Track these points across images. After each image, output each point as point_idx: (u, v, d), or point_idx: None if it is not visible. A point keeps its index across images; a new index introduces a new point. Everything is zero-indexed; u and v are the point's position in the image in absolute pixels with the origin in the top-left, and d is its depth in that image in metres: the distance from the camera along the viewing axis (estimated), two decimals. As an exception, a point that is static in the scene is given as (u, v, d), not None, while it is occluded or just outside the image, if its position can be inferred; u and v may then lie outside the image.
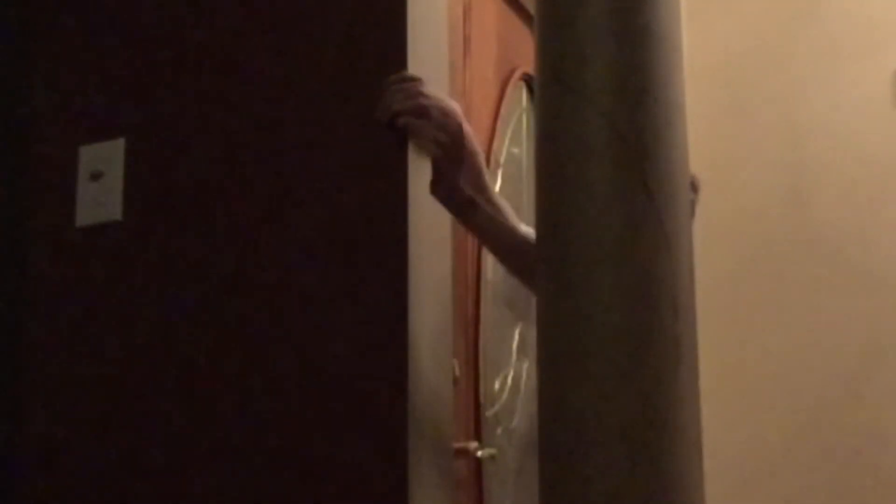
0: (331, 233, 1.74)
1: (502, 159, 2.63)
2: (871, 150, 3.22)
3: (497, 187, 2.49)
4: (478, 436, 2.42)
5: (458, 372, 2.02)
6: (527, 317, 2.04)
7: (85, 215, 1.92)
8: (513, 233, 1.87)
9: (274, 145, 1.81)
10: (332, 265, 1.73)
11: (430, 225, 1.76)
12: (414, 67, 1.76)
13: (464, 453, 2.28)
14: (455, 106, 1.81)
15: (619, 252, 1.58)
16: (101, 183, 1.91)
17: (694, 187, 1.71)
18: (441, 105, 1.77)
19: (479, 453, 2.35)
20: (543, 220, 1.65)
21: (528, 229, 1.88)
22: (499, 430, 2.50)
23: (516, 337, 2.57)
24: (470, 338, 2.47)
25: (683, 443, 1.55)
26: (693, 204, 1.70)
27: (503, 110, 2.68)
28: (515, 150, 2.74)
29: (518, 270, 1.90)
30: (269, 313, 1.76)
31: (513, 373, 2.56)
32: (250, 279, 1.78)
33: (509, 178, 2.62)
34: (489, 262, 2.47)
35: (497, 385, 2.55)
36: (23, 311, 1.95)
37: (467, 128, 1.87)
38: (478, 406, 2.45)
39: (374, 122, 1.72)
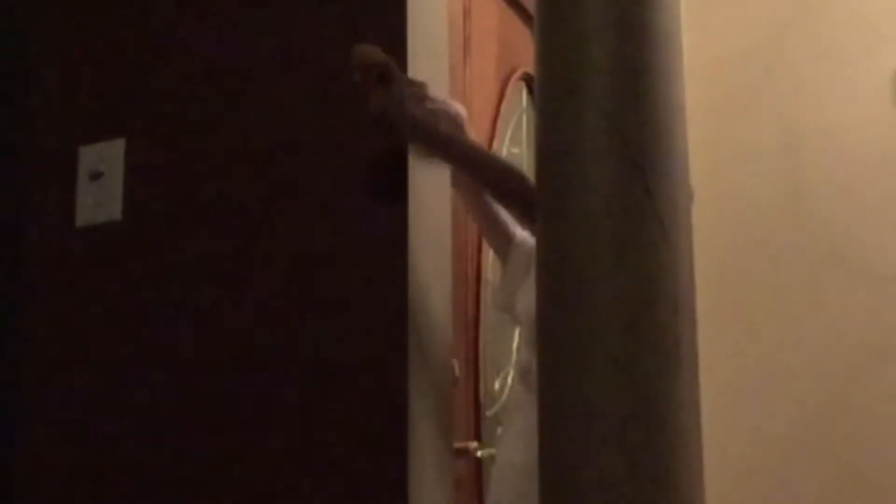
0: (331, 233, 1.74)
1: (502, 159, 2.63)
2: (870, 150, 3.22)
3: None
4: (478, 436, 2.42)
5: (458, 372, 2.02)
6: (518, 319, 2.04)
7: (85, 215, 1.92)
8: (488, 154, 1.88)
9: (274, 146, 1.80)
10: (332, 265, 1.73)
11: (430, 225, 1.76)
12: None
13: (464, 453, 2.28)
14: (459, 108, 1.82)
15: (619, 252, 1.58)
16: (101, 183, 1.91)
17: (688, 196, 1.71)
18: (443, 109, 1.78)
19: (479, 453, 2.35)
20: (544, 220, 1.65)
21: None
22: (499, 430, 2.50)
23: (516, 337, 2.57)
24: (470, 338, 2.47)
25: (683, 442, 1.55)
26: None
27: (503, 110, 2.68)
28: (515, 150, 2.74)
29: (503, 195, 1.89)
30: (269, 313, 1.76)
31: (513, 373, 2.56)
32: (250, 280, 1.78)
33: (509, 178, 2.62)
34: (489, 262, 2.48)
35: (497, 385, 2.55)
36: (23, 311, 1.95)
37: (470, 131, 1.89)
38: (478, 406, 2.45)
39: (373, 123, 1.72)
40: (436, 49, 1.87)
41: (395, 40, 1.75)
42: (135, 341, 1.85)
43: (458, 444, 2.05)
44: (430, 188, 1.78)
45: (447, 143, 1.79)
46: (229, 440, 1.74)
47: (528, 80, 2.74)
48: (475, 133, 1.98)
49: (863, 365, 3.12)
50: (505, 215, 2.04)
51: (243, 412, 1.74)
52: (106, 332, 1.87)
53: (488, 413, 2.47)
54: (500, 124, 2.63)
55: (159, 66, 1.92)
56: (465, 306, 2.45)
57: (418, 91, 1.73)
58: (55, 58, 2.02)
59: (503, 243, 2.04)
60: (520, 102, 2.81)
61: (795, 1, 3.40)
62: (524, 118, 2.79)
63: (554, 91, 1.67)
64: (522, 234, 2.01)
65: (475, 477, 2.40)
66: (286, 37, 1.83)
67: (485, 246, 2.42)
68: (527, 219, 1.81)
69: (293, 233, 1.77)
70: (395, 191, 1.71)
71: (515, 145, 2.73)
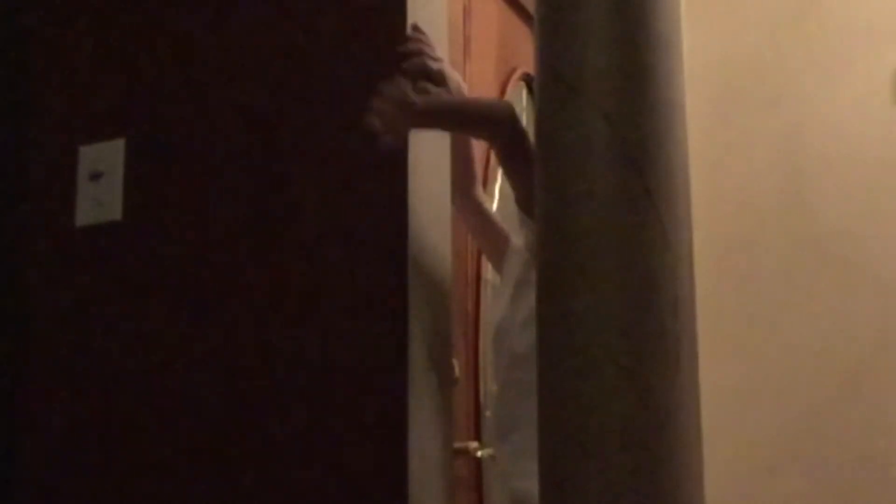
0: (331, 233, 1.74)
1: (502, 159, 2.62)
2: (870, 150, 3.22)
3: (497, 187, 2.51)
4: (478, 436, 2.42)
5: (458, 372, 2.02)
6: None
7: (85, 215, 1.92)
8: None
9: (274, 146, 1.81)
10: (332, 265, 1.73)
11: (430, 225, 1.76)
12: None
13: (464, 453, 2.28)
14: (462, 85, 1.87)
15: (619, 252, 1.58)
16: (101, 183, 1.91)
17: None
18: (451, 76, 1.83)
19: (479, 453, 2.35)
20: (544, 220, 1.65)
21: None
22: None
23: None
24: (470, 338, 2.47)
25: (683, 442, 1.55)
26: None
27: (503, 110, 2.67)
28: (515, 151, 2.73)
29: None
30: (269, 313, 1.76)
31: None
32: (250, 280, 1.78)
33: (509, 178, 2.62)
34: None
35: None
36: (23, 311, 1.95)
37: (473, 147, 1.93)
38: (478, 406, 2.45)
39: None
40: (436, 49, 1.87)
41: (395, 40, 1.75)
42: (135, 341, 1.85)
43: (458, 444, 2.05)
44: (430, 188, 1.78)
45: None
46: (229, 439, 1.74)
47: (528, 80, 2.74)
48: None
49: (863, 366, 3.12)
50: (501, 228, 2.05)
51: (243, 412, 1.74)
52: (106, 332, 1.87)
53: (488, 413, 2.47)
54: (499, 124, 2.62)
55: (159, 66, 1.92)
56: (465, 306, 2.45)
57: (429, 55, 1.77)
58: (55, 58, 2.02)
59: (500, 254, 2.05)
60: (520, 102, 2.81)
61: (795, 1, 3.40)
62: (524, 118, 2.79)
63: (554, 91, 1.67)
64: (518, 243, 2.03)
65: (475, 477, 2.40)
66: (284, 37, 1.83)
67: (485, 245, 2.42)
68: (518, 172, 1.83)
69: (293, 233, 1.77)
70: (395, 191, 1.71)
71: (515, 145, 2.72)
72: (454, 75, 1.84)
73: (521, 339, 1.80)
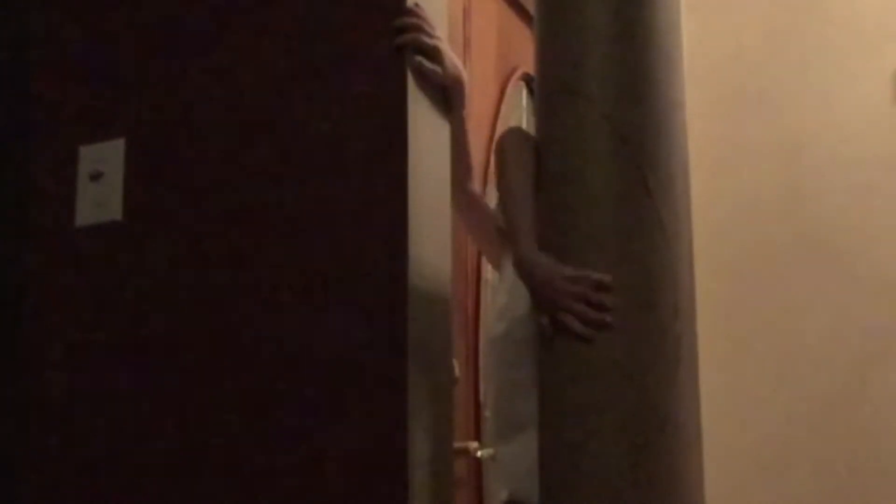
0: (331, 232, 1.74)
1: (502, 159, 2.62)
2: (870, 150, 3.22)
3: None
4: (478, 436, 2.42)
5: (458, 372, 2.02)
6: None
7: (85, 215, 1.92)
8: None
9: (273, 145, 1.81)
10: (332, 265, 1.73)
11: (430, 225, 1.76)
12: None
13: (464, 453, 2.28)
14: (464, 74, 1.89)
15: (619, 252, 1.58)
16: (101, 183, 1.91)
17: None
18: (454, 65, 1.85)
19: (479, 453, 2.35)
20: (544, 219, 1.65)
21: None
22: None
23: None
24: (470, 338, 2.47)
25: (683, 441, 1.55)
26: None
27: (503, 110, 2.68)
28: (515, 151, 2.73)
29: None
30: (269, 313, 1.76)
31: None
32: (249, 279, 1.78)
33: (509, 178, 2.62)
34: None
35: (497, 385, 2.55)
36: (23, 311, 1.95)
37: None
38: (478, 406, 2.45)
39: (374, 115, 1.73)
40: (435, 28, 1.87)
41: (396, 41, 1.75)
42: (135, 340, 1.85)
43: (458, 444, 2.05)
44: (430, 187, 1.78)
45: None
46: (229, 439, 1.74)
47: (528, 80, 2.74)
48: (475, 132, 1.97)
49: (863, 365, 3.12)
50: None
51: (243, 411, 1.74)
52: (106, 332, 1.87)
53: (488, 413, 2.47)
54: (500, 124, 2.63)
55: (160, 67, 1.92)
56: (465, 306, 2.45)
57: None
58: (55, 58, 2.02)
59: (498, 250, 2.04)
60: (520, 102, 2.81)
61: (795, 1, 3.40)
62: (524, 118, 2.79)
63: (554, 91, 1.67)
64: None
65: (475, 477, 2.40)
66: (284, 38, 1.83)
67: (485, 246, 2.42)
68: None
69: (293, 232, 1.77)
70: (395, 190, 1.71)
71: (515, 145, 2.72)
72: (451, 54, 1.83)
73: (518, 332, 1.79)
